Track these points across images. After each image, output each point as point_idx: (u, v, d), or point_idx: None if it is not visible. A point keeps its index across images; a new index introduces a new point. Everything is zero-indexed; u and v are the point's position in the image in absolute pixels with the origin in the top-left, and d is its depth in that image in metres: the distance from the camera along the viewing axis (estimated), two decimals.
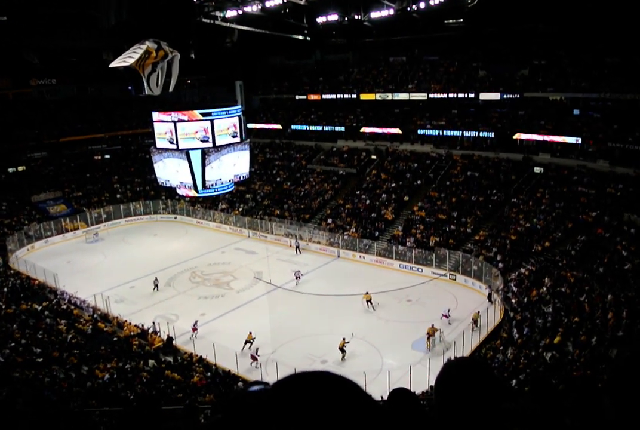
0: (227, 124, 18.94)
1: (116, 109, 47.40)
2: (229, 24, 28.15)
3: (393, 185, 36.36)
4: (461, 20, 33.78)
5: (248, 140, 20.63)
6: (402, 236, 31.32)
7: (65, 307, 24.29)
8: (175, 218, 41.31)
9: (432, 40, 39.29)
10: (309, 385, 0.98)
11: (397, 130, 40.18)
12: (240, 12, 27.61)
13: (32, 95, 45.84)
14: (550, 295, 21.53)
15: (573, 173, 31.18)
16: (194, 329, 22.13)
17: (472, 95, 37.08)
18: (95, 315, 23.76)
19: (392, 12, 27.56)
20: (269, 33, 31.47)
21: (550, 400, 2.24)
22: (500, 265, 26.32)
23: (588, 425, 1.75)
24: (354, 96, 42.93)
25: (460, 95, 37.62)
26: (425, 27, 32.22)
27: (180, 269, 30.25)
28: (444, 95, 38.45)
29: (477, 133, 36.56)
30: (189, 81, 49.45)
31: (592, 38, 31.70)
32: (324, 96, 44.65)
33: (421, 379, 16.17)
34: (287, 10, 28.27)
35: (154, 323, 22.60)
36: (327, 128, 43.89)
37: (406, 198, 34.89)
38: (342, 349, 20.18)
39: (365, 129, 41.79)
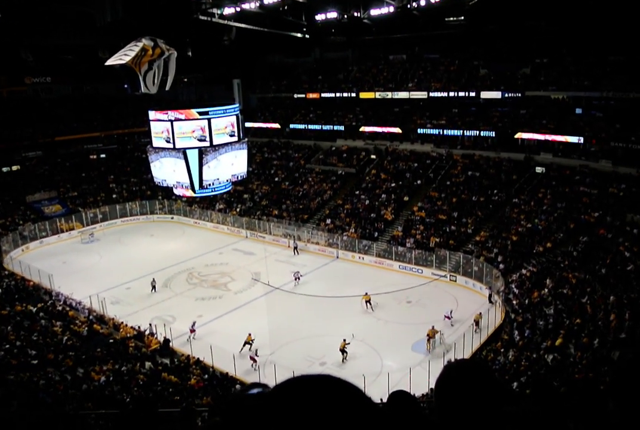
0: (224, 123, 18.75)
1: (112, 108, 47.06)
2: (226, 21, 27.91)
3: (393, 185, 36.06)
4: (462, 17, 33.63)
5: (246, 139, 20.49)
6: (401, 237, 31.05)
7: (60, 308, 24.09)
8: (172, 218, 40.96)
9: (433, 38, 39.09)
10: (310, 388, 0.96)
11: (397, 130, 39.84)
12: (238, 9, 27.37)
13: (27, 93, 45.49)
14: (552, 296, 21.37)
15: (575, 173, 30.93)
16: (192, 331, 21.95)
17: (473, 94, 36.73)
18: (91, 317, 23.52)
19: (392, 9, 27.38)
20: (267, 31, 31.26)
21: (552, 403, 2.26)
22: (501, 266, 26.14)
23: (591, 429, 1.76)
24: (354, 95, 42.50)
25: (461, 94, 37.27)
26: (426, 25, 32.07)
27: (177, 270, 29.98)
28: (445, 94, 38.10)
29: (477, 132, 36.24)
30: (185, 79, 49.22)
31: (595, 36, 31.37)
32: (323, 95, 44.18)
33: (421, 381, 16.05)
34: (286, 8, 28.08)
35: (150, 325, 22.37)
36: (326, 127, 43.47)
37: (406, 198, 34.60)
38: (342, 351, 19.99)
39: (364, 128, 41.45)
